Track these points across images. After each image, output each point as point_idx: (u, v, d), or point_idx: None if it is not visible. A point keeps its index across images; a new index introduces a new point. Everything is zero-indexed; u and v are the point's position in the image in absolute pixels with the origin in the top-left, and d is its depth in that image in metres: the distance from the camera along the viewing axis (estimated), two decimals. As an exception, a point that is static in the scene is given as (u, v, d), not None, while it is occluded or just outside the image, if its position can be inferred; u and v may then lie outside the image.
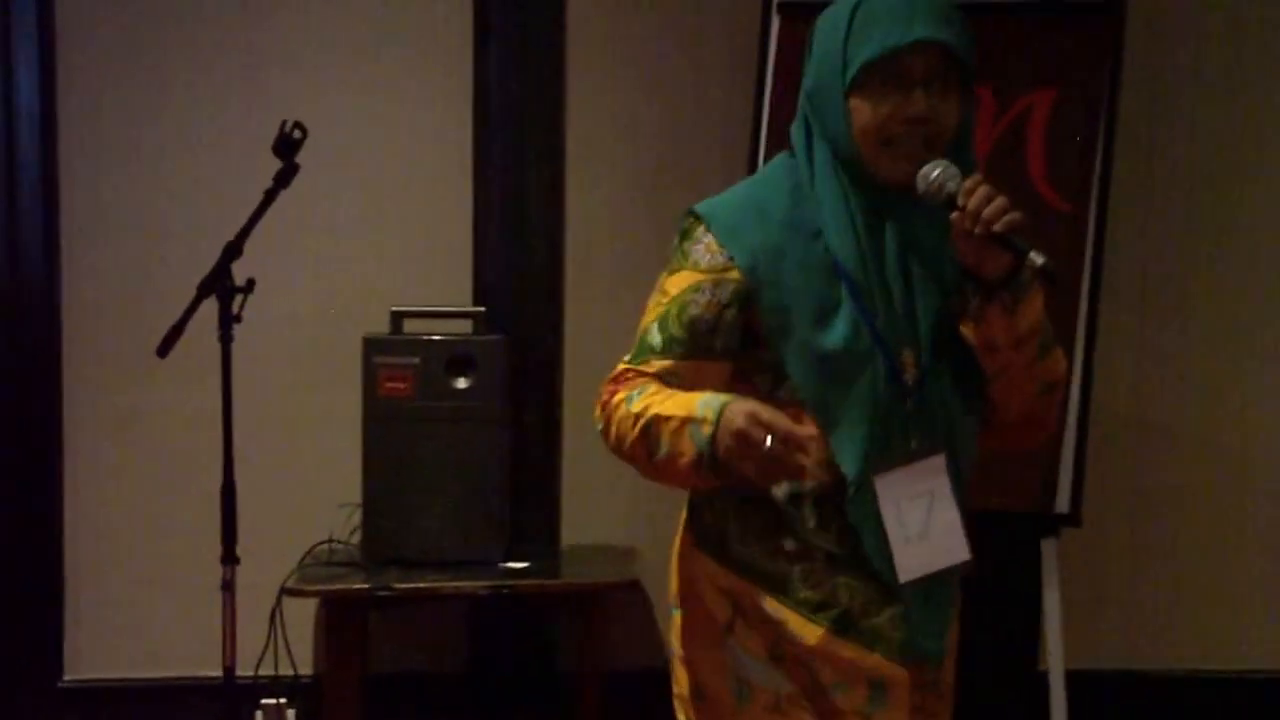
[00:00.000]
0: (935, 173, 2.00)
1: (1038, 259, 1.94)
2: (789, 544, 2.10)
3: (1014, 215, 1.97)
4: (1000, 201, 1.97)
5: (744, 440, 1.90)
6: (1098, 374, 3.70)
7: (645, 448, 2.03)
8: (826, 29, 2.07)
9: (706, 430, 1.94)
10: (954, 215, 1.98)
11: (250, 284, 3.32)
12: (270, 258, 3.69)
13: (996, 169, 3.58)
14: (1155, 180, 4.07)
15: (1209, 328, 4.11)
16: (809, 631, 2.10)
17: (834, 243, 2.05)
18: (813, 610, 2.11)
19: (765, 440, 1.87)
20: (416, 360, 3.74)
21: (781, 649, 2.12)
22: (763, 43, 3.48)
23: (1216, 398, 4.10)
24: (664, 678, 4.04)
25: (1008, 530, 3.92)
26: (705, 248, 2.09)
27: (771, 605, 2.11)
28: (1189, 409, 4.11)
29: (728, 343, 2.08)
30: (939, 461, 2.07)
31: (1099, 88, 3.55)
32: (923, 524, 2.07)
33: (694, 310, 2.09)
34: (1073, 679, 3.64)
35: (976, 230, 1.97)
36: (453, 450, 3.75)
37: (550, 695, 4.06)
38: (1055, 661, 3.62)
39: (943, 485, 2.07)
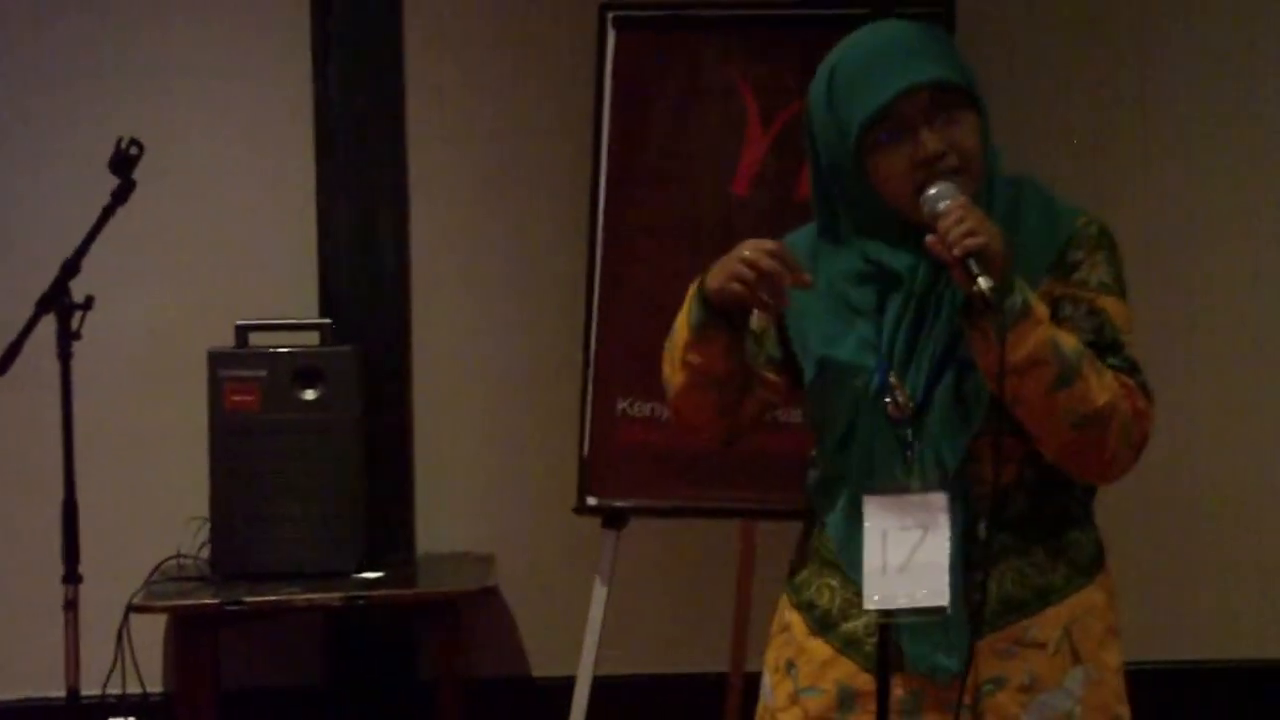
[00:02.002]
0: (931, 192, 2.00)
1: (983, 283, 1.90)
2: (810, 541, 2.18)
3: (976, 239, 1.93)
4: (967, 224, 1.94)
5: (727, 261, 2.04)
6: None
7: (668, 350, 2.17)
8: (812, 101, 2.11)
9: (697, 284, 2.10)
10: (929, 238, 1.97)
11: (89, 301, 3.33)
12: (112, 274, 3.68)
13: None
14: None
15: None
16: (799, 629, 2.17)
17: (877, 278, 2.08)
18: (802, 608, 2.17)
19: (744, 255, 2.02)
20: (263, 373, 3.75)
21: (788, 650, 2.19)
22: (600, 54, 3.52)
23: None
24: (525, 685, 4.12)
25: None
26: None
27: (786, 600, 2.21)
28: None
29: (772, 353, 2.18)
30: (939, 500, 2.04)
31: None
32: (905, 559, 2.04)
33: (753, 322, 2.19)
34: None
35: (947, 254, 1.95)
36: (303, 462, 3.75)
37: (410, 705, 4.06)
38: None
39: (940, 526, 2.03)
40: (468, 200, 4.12)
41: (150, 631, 3.93)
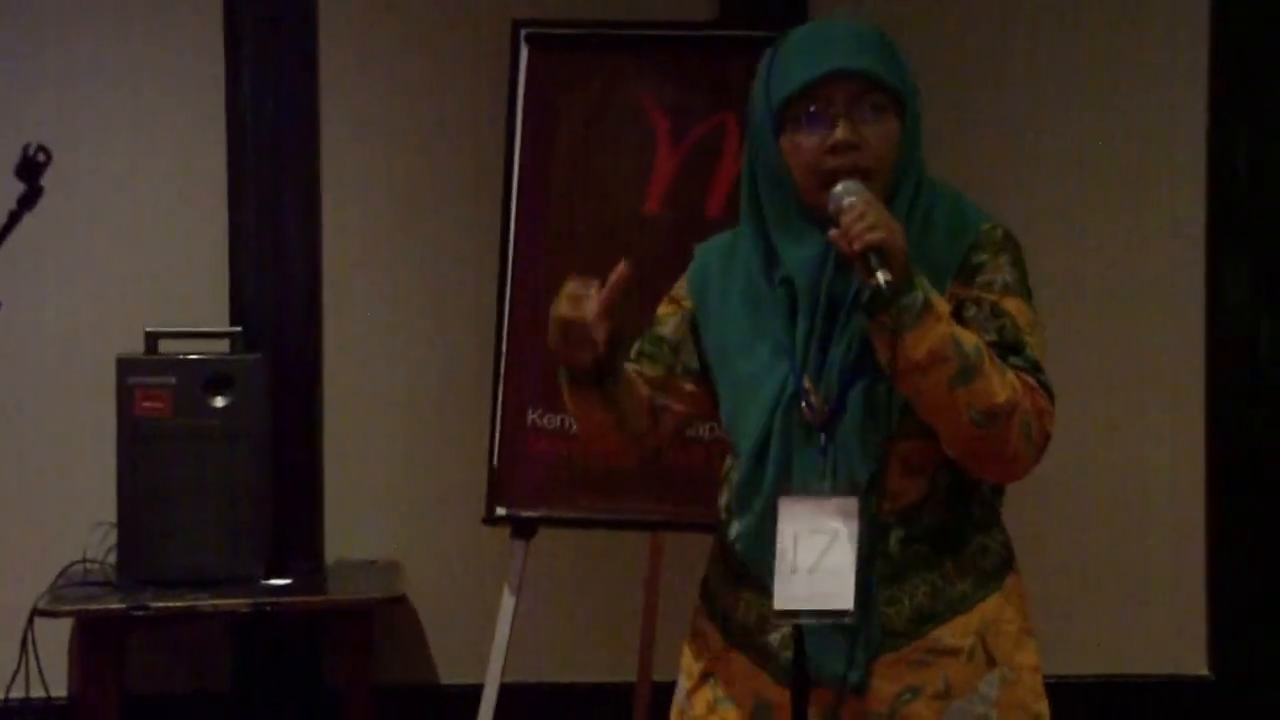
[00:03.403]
0: (838, 188, 2.01)
1: (881, 277, 1.93)
2: (725, 553, 2.20)
3: (876, 234, 1.94)
4: (869, 219, 1.95)
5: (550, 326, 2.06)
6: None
7: None
8: (755, 83, 2.13)
9: None
10: (832, 233, 1.99)
11: (-3, 305, 3.29)
12: (20, 280, 3.66)
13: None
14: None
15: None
16: (715, 640, 2.20)
17: (790, 280, 2.10)
18: (717, 619, 2.20)
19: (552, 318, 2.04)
20: (173, 380, 3.75)
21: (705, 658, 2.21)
22: (513, 70, 3.54)
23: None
24: (433, 692, 4.13)
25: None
26: (683, 278, 2.26)
27: (700, 609, 2.24)
28: None
29: (689, 364, 2.21)
30: (850, 505, 2.05)
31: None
32: (814, 562, 2.05)
33: (660, 329, 2.25)
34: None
35: (848, 248, 1.97)
36: (211, 469, 3.76)
37: (318, 712, 4.07)
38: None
39: (849, 530, 2.04)
40: (380, 210, 4.14)
41: (55, 636, 3.90)
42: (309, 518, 4.12)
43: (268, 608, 3.70)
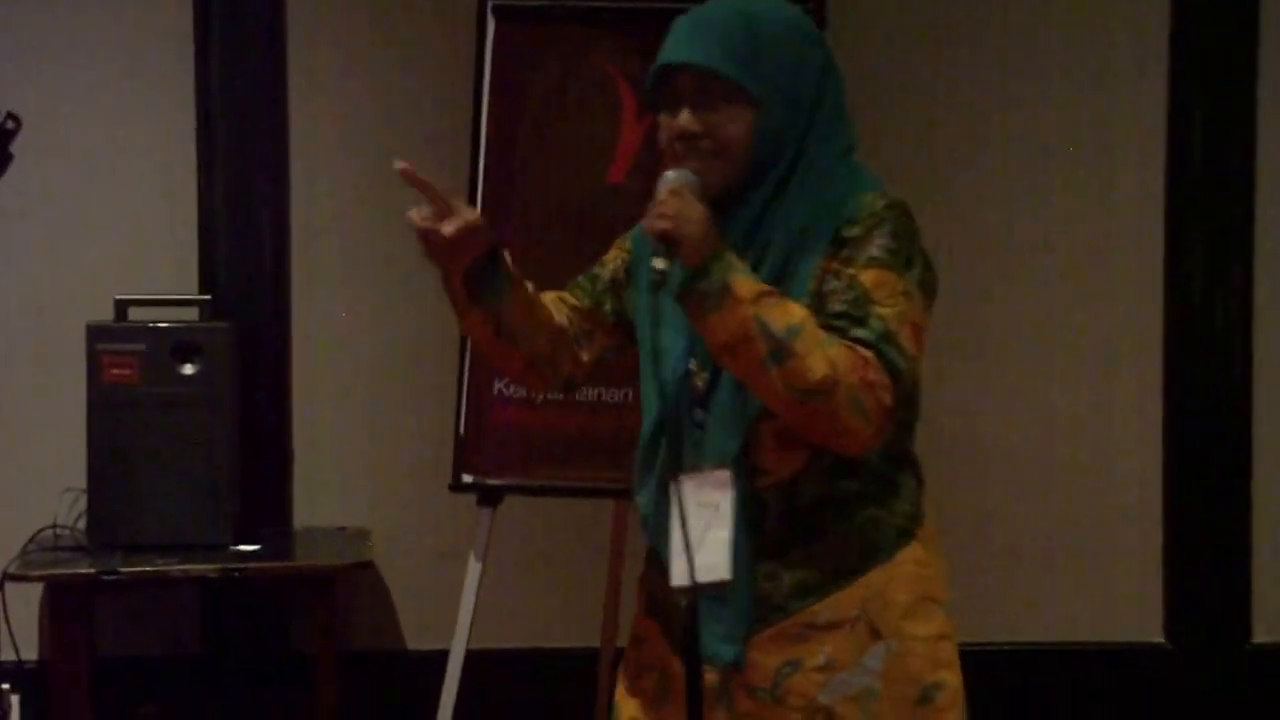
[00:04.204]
0: (666, 174, 2.07)
1: (656, 263, 2.00)
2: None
3: (660, 223, 2.01)
4: (662, 208, 2.03)
5: None
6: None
7: None
8: None
9: None
10: (643, 219, 2.05)
11: (-37, 273, 3.30)
12: (-12, 246, 3.67)
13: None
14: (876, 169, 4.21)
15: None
16: (641, 607, 2.26)
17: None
18: (642, 587, 2.26)
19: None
20: (142, 347, 3.76)
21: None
22: (479, 42, 3.55)
23: (940, 387, 4.21)
24: (400, 658, 4.13)
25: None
26: (635, 229, 2.28)
27: (641, 576, 2.30)
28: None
29: (615, 308, 2.26)
30: (724, 476, 2.10)
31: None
32: (700, 536, 2.09)
33: (600, 269, 2.30)
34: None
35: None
36: (180, 435, 3.78)
37: (287, 676, 4.09)
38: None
39: (725, 501, 2.09)
40: (349, 179, 4.14)
41: (26, 601, 3.91)
42: (277, 484, 4.14)
43: (236, 573, 3.72)
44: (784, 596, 2.12)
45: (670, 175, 2.08)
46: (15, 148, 3.38)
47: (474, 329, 2.19)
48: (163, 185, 4.10)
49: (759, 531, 2.11)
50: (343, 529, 4.11)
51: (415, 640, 4.19)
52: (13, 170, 3.43)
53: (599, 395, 3.48)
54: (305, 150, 4.13)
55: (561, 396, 2.35)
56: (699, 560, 2.06)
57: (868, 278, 2.07)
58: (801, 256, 2.09)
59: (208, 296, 3.96)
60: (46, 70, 4.04)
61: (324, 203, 4.14)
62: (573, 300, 2.27)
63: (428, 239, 2.06)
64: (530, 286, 2.20)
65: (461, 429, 3.55)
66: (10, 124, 3.29)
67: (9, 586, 3.74)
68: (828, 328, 2.03)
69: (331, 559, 3.87)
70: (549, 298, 2.26)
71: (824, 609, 2.12)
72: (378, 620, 4.18)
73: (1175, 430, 4.29)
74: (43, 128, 3.62)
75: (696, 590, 2.06)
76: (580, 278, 2.31)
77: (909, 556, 2.15)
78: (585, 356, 2.26)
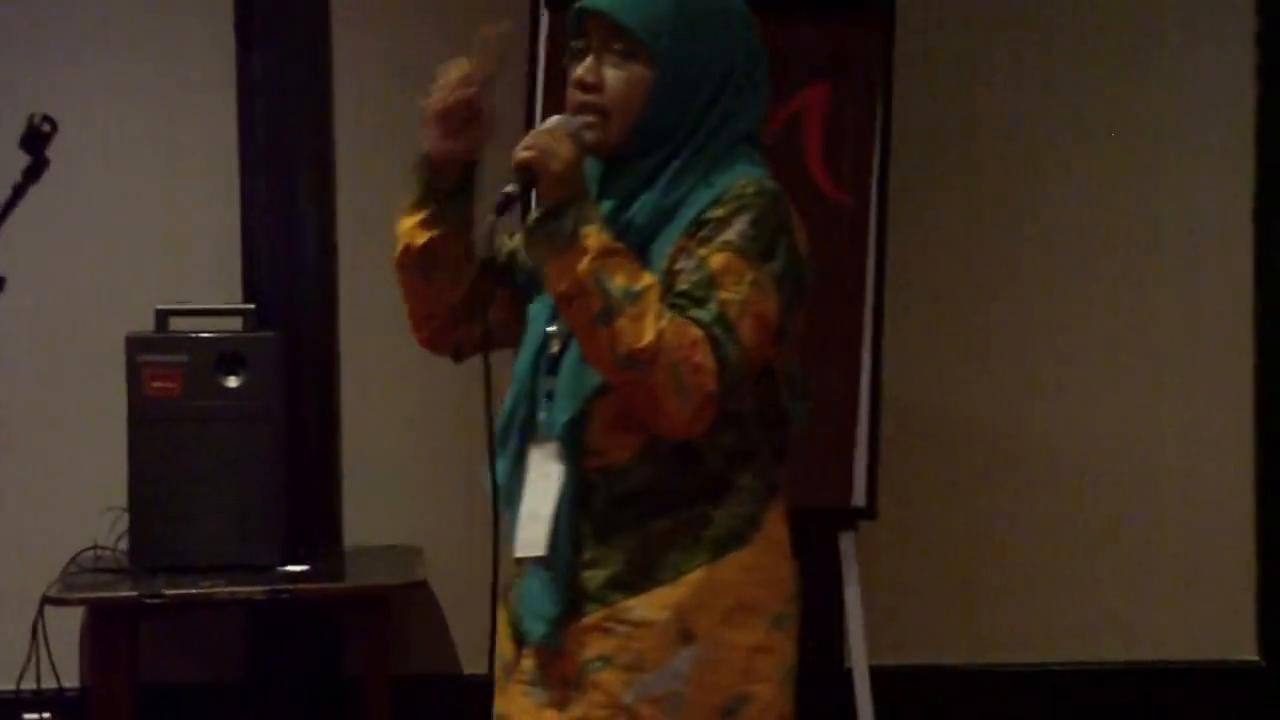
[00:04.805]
0: (554, 118, 2.06)
1: (509, 187, 2.00)
2: None
3: (524, 153, 2.00)
4: (531, 139, 2.02)
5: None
6: (897, 368, 3.78)
7: None
8: None
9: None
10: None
11: (1, 282, 3.24)
12: (25, 255, 3.58)
13: (775, 166, 3.64)
14: (941, 172, 4.16)
15: (1006, 321, 4.21)
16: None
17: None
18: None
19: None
20: (184, 359, 3.69)
21: None
22: (532, 37, 3.50)
23: (1015, 391, 4.20)
24: (454, 682, 4.07)
25: (805, 526, 3.98)
26: None
27: None
28: (987, 402, 4.19)
29: (513, 274, 2.24)
30: (553, 448, 2.09)
31: (873, 80, 3.62)
32: (534, 508, 2.11)
33: (507, 239, 2.29)
34: (877, 676, 3.70)
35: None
36: (225, 451, 3.70)
37: (336, 701, 4.01)
38: (859, 659, 3.68)
39: (554, 473, 2.08)
40: (396, 183, 4.04)
41: (67, 624, 3.86)
42: (326, 501, 4.06)
43: (284, 595, 3.64)
44: (601, 587, 2.08)
45: (555, 118, 2.08)
46: (52, 153, 3.33)
47: (411, 236, 2.21)
48: (204, 191, 4.10)
49: (586, 514, 2.09)
50: (393, 547, 4.04)
51: (471, 664, 4.12)
52: (49, 176, 3.38)
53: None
54: (351, 151, 4.08)
55: (456, 363, 2.31)
56: (524, 534, 2.10)
57: (717, 261, 2.03)
58: (663, 235, 2.08)
59: (251, 305, 3.88)
60: (86, 75, 4.02)
61: (371, 207, 4.05)
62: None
63: (457, 99, 2.10)
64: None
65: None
66: (46, 127, 3.24)
67: (49, 610, 3.68)
68: (671, 305, 2.02)
69: (383, 578, 3.81)
70: None
71: (639, 605, 2.06)
72: (431, 643, 4.12)
73: (1267, 437, 4.22)
74: (81, 133, 3.59)
75: (528, 564, 2.10)
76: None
77: (737, 561, 2.08)
78: (477, 329, 2.22)
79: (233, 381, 3.72)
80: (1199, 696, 4.20)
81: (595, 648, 2.07)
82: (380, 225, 4.04)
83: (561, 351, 2.11)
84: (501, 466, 2.18)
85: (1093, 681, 4.13)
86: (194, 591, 3.59)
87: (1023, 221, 4.19)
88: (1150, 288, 4.21)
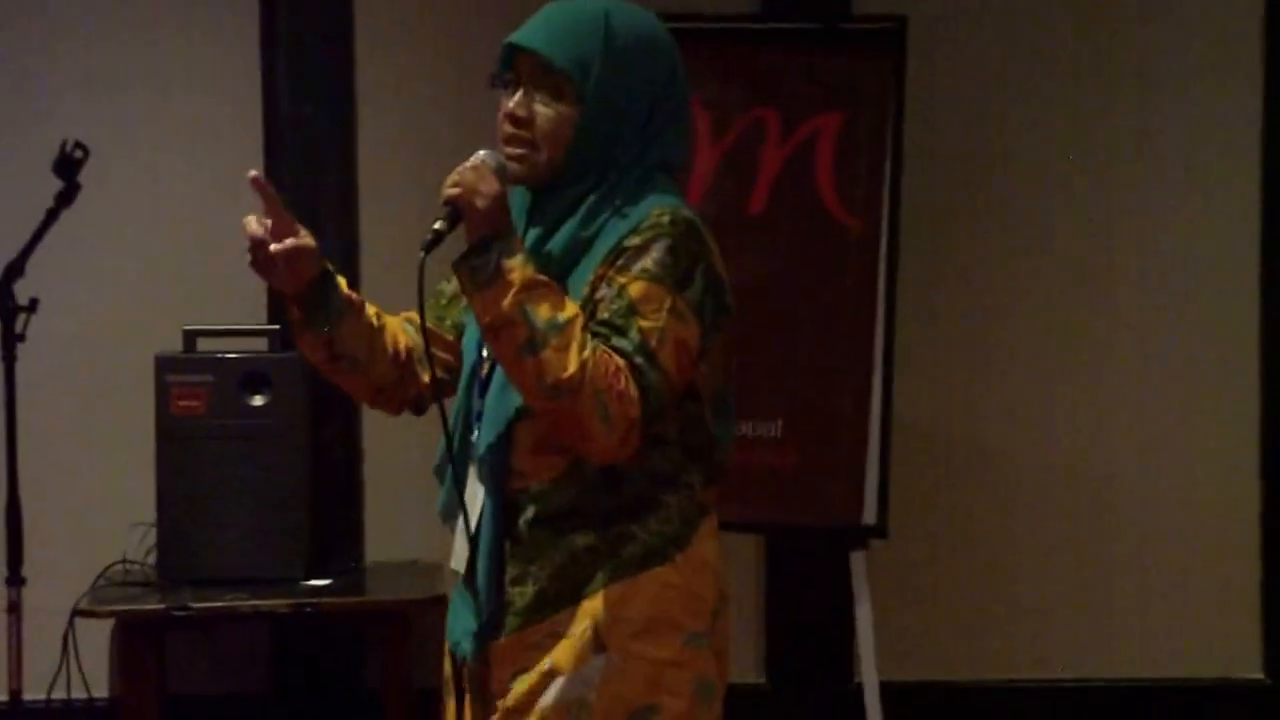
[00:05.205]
0: (480, 153, 2.10)
1: (437, 225, 2.06)
2: None
3: (450, 191, 2.05)
4: (457, 178, 2.06)
5: None
6: (908, 390, 3.81)
7: None
8: None
9: None
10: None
11: (33, 303, 3.33)
12: (57, 277, 3.67)
13: (787, 193, 3.68)
14: (951, 199, 4.18)
15: (1015, 343, 4.22)
16: None
17: None
18: None
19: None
20: (210, 378, 3.73)
21: None
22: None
23: (1024, 412, 4.21)
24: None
25: (817, 544, 4.01)
26: None
27: None
28: (996, 423, 4.20)
29: (456, 320, 2.27)
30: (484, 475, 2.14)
31: (885, 109, 3.65)
32: (464, 526, 2.17)
33: (446, 284, 2.32)
34: (887, 691, 3.71)
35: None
36: (250, 468, 3.74)
37: (358, 714, 4.05)
38: (869, 674, 3.69)
39: (480, 494, 2.13)
40: (418, 205, 4.09)
41: (96, 637, 3.90)
42: (348, 517, 4.10)
43: (308, 609, 3.68)
44: (525, 606, 2.12)
45: (481, 153, 2.11)
46: (83, 177, 3.40)
47: (308, 352, 2.24)
48: (230, 213, 4.04)
49: (510, 533, 2.12)
50: (414, 562, 4.06)
51: (489, 677, 4.13)
52: (80, 200, 3.46)
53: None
54: (375, 174, 4.12)
55: (418, 417, 2.34)
56: (456, 551, 2.16)
57: (635, 289, 2.07)
58: (582, 264, 2.11)
59: (276, 326, 3.91)
60: (114, 100, 4.06)
61: (394, 228, 4.11)
62: (417, 319, 2.22)
63: (256, 251, 2.17)
64: (373, 313, 2.25)
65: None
66: (78, 153, 3.33)
67: (79, 622, 3.73)
68: (594, 334, 2.06)
69: (404, 593, 3.83)
70: (396, 321, 2.30)
71: (563, 621, 2.11)
72: (450, 656, 4.13)
73: (1273, 457, 4.20)
74: (111, 158, 3.62)
75: (456, 578, 2.16)
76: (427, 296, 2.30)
77: (658, 577, 2.11)
78: (426, 376, 2.25)
79: (258, 400, 3.75)
80: (1205, 714, 4.19)
81: (519, 661, 2.11)
82: (402, 249, 4.08)
83: (489, 376, 2.15)
84: (443, 487, 2.24)
85: (1099, 698, 4.12)
86: (219, 605, 3.63)
87: (1032, 246, 4.21)
88: (1159, 313, 4.21)
